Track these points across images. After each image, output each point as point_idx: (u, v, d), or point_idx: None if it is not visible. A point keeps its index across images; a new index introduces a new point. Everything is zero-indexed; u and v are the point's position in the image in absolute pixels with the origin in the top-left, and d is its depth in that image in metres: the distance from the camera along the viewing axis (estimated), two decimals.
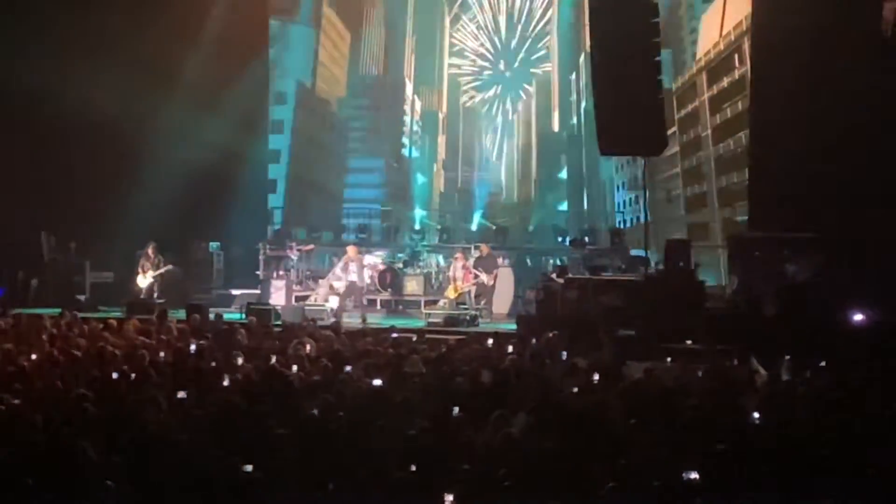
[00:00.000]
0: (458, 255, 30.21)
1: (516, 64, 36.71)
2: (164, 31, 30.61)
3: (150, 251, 29.59)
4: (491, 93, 36.97)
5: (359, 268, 28.61)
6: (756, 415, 15.44)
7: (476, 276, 29.36)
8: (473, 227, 35.35)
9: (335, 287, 30.03)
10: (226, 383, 17.39)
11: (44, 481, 11.40)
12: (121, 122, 30.11)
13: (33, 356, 20.05)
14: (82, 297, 29.40)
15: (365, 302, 29.04)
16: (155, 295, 29.40)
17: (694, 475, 12.29)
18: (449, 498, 11.38)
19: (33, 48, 29.20)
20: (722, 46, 32.47)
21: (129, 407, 15.55)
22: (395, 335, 23.51)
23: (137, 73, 30.09)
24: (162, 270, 29.55)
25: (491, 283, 29.85)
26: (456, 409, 15.76)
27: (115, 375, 18.14)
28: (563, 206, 36.93)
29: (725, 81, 32.42)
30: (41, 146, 29.47)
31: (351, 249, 29.00)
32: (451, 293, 29.43)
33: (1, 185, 28.95)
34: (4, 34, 29.08)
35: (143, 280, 29.54)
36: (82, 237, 31.06)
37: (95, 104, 29.64)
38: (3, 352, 20.03)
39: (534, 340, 22.50)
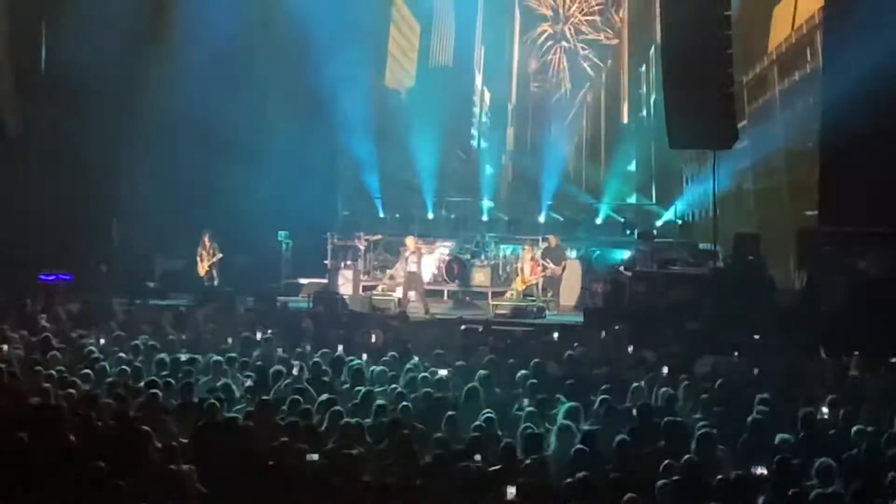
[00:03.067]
0: (526, 246, 30.17)
1: (586, 55, 36.61)
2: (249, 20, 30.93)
3: (205, 239, 29.72)
4: (560, 84, 36.89)
5: (418, 258, 28.58)
6: (825, 409, 15.36)
7: (544, 269, 29.29)
8: (541, 219, 35.24)
9: (397, 277, 30.11)
10: (294, 371, 17.51)
11: (115, 465, 11.53)
12: (191, 111, 30.30)
13: (102, 341, 20.33)
14: (152, 284, 29.60)
15: (424, 292, 28.86)
16: (215, 281, 29.56)
17: (762, 470, 12.23)
18: (511, 490, 11.39)
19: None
20: (794, 39, 32.17)
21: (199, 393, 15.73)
22: (462, 326, 23.54)
23: (210, 64, 30.29)
24: (216, 259, 29.67)
25: (559, 274, 29.78)
26: (525, 401, 15.78)
27: (183, 358, 18.35)
28: (632, 199, 36.75)
29: (797, 75, 32.10)
30: (112, 135, 29.66)
31: (409, 240, 28.96)
32: (518, 285, 29.38)
33: (71, 172, 29.21)
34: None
35: (202, 268, 29.73)
36: (152, 224, 31.27)
37: (165, 95, 29.92)
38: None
39: (602, 333, 22.46)
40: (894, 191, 24.30)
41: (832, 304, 23.63)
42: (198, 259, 29.67)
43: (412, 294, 28.19)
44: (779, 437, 13.69)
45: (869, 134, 24.52)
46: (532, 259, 29.46)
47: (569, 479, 11.51)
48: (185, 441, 13.00)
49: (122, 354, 18.63)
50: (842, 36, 26.54)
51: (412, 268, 28.25)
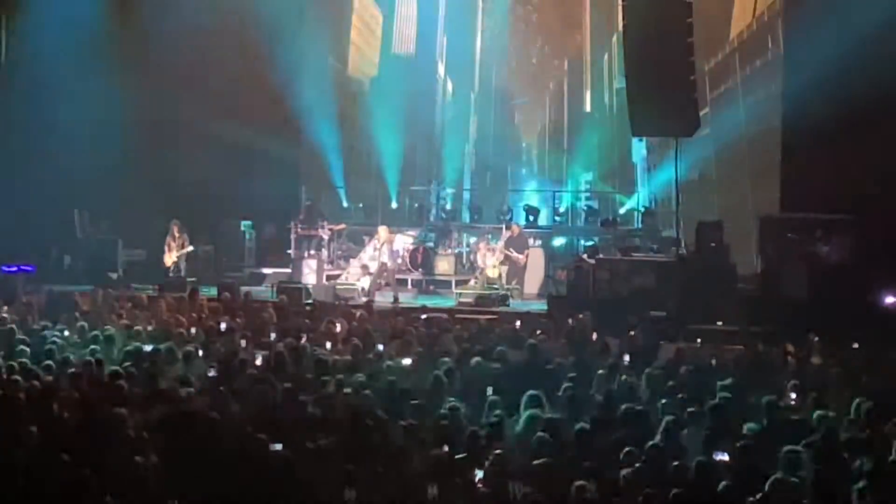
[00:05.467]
0: (481, 244, 30.30)
1: (548, 44, 36.62)
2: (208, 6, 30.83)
3: (175, 229, 29.55)
4: (522, 73, 36.90)
5: (390, 249, 28.71)
6: (793, 395, 15.47)
7: (507, 257, 29.38)
8: (504, 207, 35.25)
9: (367, 267, 30.08)
10: (258, 362, 17.48)
11: (78, 457, 11.50)
12: (151, 101, 30.27)
13: (66, 332, 20.23)
14: (114, 275, 29.47)
15: (396, 282, 29.00)
16: (182, 272, 29.40)
17: (724, 456, 12.31)
18: (479, 475, 11.44)
19: None
20: (755, 27, 32.34)
21: (163, 384, 15.71)
22: (424, 315, 23.53)
23: (172, 55, 30.30)
24: (185, 251, 29.53)
25: (522, 263, 29.83)
26: (489, 390, 15.80)
27: (147, 348, 18.29)
28: (595, 187, 36.79)
29: (758, 62, 32.25)
30: (72, 125, 29.52)
31: (383, 230, 29.10)
32: (490, 272, 29.38)
33: (34, 162, 29.10)
34: None
35: (169, 258, 29.55)
36: (115, 214, 31.20)
37: (126, 86, 29.86)
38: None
39: (570, 321, 22.47)
40: (855, 178, 24.47)
41: (793, 291, 23.79)
42: (165, 248, 29.47)
43: (381, 283, 28.26)
44: (746, 426, 13.79)
45: (830, 121, 24.68)
46: (487, 249, 29.62)
47: (532, 466, 11.57)
48: (150, 432, 12.97)
49: (85, 345, 18.59)
50: (803, 23, 26.71)
51: (384, 258, 28.36)
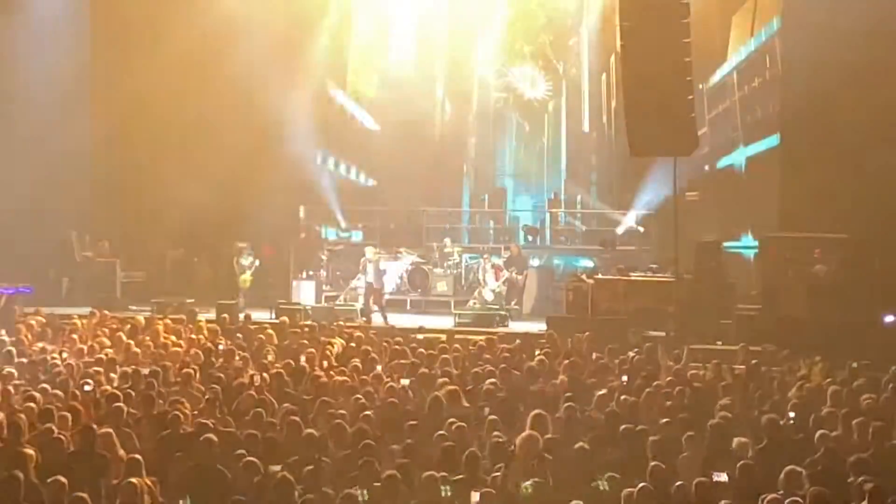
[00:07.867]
0: (483, 263, 30.23)
1: (547, 64, 36.58)
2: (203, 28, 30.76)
3: (242, 250, 29.97)
4: (521, 93, 36.85)
5: (376, 268, 28.63)
6: (792, 414, 15.42)
7: (508, 276, 29.42)
8: (504, 227, 35.16)
9: (356, 288, 30.10)
10: (256, 383, 17.44)
11: (75, 479, 11.47)
12: (149, 124, 30.36)
13: (64, 353, 20.19)
14: (113, 297, 29.40)
15: (383, 303, 28.80)
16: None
17: (723, 477, 12.27)
18: (475, 497, 11.40)
19: None
20: (753, 46, 32.34)
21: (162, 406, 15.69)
22: (421, 336, 23.50)
23: (168, 70, 30.37)
24: (253, 267, 29.86)
25: (522, 283, 29.81)
26: (487, 410, 15.77)
27: (145, 372, 18.26)
28: (594, 206, 36.66)
29: (756, 82, 32.24)
30: (69, 148, 29.57)
31: (369, 250, 29.17)
32: (490, 292, 29.41)
33: (34, 183, 29.11)
34: None
35: (246, 278, 29.75)
36: (113, 236, 31.18)
37: (125, 106, 29.96)
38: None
39: (569, 341, 22.43)
40: (853, 197, 24.50)
41: (793, 310, 23.78)
42: (238, 271, 29.63)
43: (372, 304, 28.21)
44: (736, 440, 13.76)
45: (828, 141, 24.71)
46: (492, 268, 29.62)
47: (529, 486, 11.53)
48: (147, 454, 12.93)
49: (83, 367, 18.56)
50: (800, 43, 26.73)
51: (369, 278, 28.31)
